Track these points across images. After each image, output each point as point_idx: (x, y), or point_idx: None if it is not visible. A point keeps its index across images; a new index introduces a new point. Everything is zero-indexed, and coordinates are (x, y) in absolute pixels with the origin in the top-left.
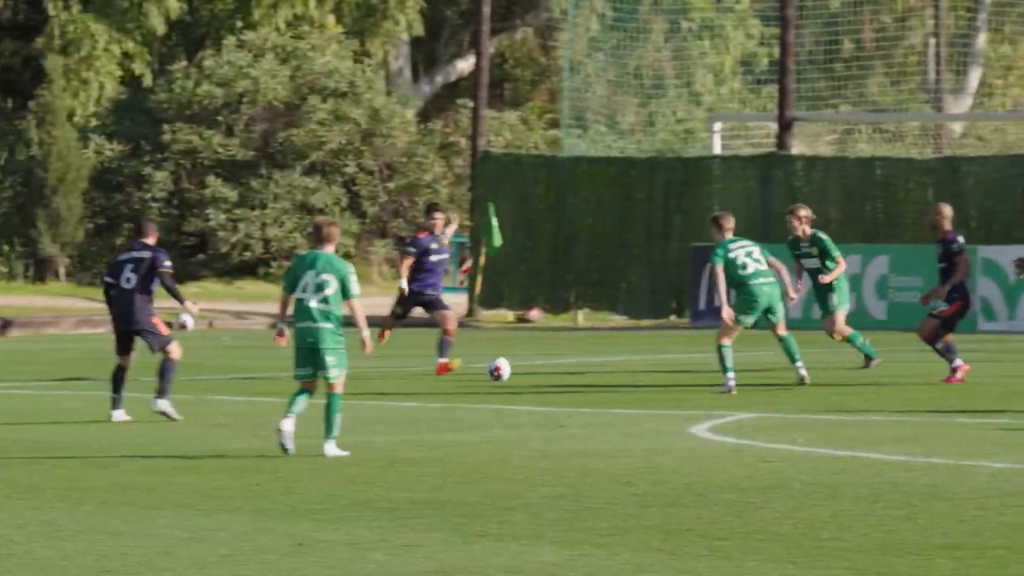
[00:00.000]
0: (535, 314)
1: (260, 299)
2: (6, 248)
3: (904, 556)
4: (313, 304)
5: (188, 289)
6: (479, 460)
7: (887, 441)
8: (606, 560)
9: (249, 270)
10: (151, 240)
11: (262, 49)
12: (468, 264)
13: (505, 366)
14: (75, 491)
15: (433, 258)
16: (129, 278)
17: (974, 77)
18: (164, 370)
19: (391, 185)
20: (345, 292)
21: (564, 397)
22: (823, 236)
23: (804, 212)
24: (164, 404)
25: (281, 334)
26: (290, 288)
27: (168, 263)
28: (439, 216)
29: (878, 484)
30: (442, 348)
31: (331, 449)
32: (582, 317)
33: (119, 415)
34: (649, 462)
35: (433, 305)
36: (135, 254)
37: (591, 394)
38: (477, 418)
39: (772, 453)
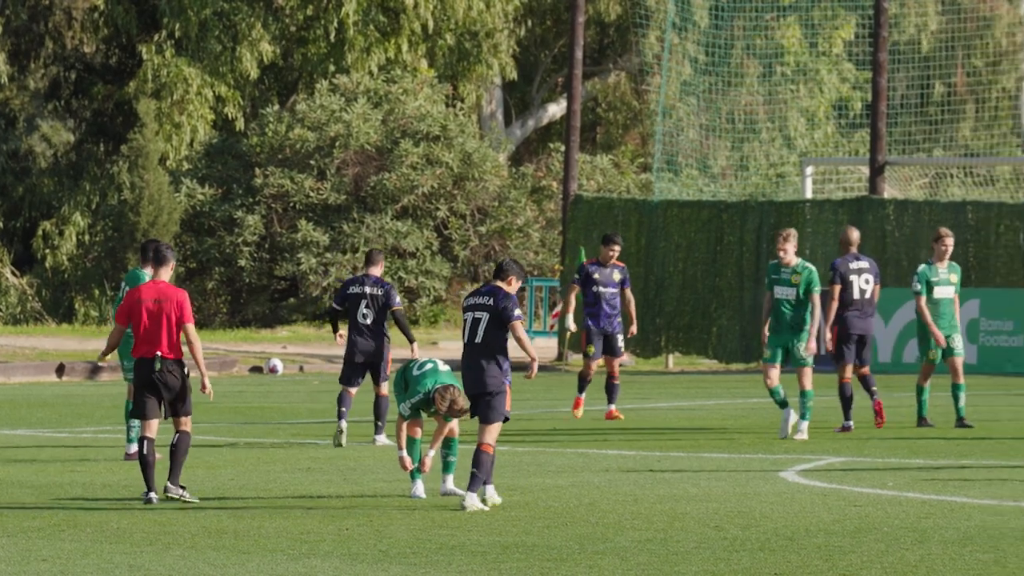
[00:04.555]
0: (625, 358)
1: None
2: (96, 292)
3: None
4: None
5: (279, 333)
6: (568, 504)
7: (976, 485)
8: None
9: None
10: (379, 271)
11: (355, 93)
12: (559, 308)
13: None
14: (164, 535)
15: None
16: (366, 314)
17: None
18: (382, 407)
19: (482, 229)
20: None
21: (653, 441)
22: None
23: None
24: (383, 439)
25: None
26: None
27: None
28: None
29: (967, 528)
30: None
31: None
32: (672, 361)
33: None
34: (738, 506)
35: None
36: (368, 289)
37: (680, 438)
38: (565, 462)
39: (861, 497)
